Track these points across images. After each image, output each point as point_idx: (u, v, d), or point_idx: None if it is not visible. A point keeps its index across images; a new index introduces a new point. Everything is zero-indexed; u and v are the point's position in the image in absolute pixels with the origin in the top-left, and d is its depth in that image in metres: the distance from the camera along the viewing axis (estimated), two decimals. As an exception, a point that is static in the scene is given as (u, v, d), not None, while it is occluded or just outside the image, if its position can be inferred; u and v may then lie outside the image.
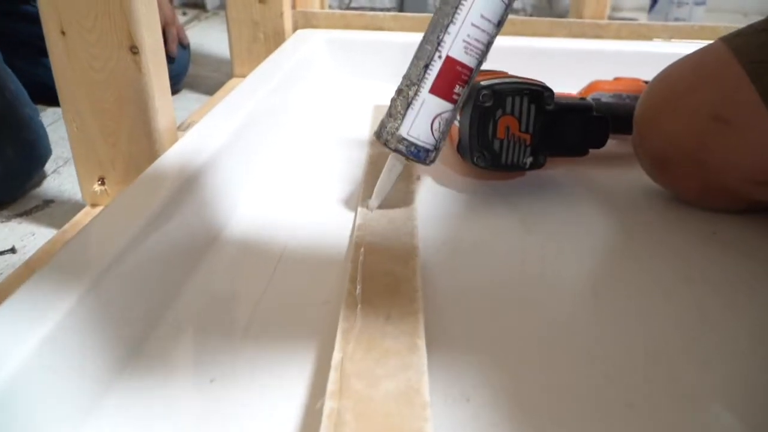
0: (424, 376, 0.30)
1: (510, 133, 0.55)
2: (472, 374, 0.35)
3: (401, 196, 0.53)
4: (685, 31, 0.83)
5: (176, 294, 0.41)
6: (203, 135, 0.52)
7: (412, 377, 0.30)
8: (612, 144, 0.60)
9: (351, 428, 0.27)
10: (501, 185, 0.59)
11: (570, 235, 0.51)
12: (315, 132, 0.71)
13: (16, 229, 0.65)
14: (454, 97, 0.47)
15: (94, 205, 0.60)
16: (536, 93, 0.54)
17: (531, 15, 1.58)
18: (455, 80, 0.47)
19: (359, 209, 0.50)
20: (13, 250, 0.61)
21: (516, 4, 1.58)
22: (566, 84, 0.79)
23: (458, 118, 0.58)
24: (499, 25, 0.47)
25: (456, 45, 0.46)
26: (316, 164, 0.63)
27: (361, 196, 0.53)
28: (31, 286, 0.32)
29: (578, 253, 0.48)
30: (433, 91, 0.46)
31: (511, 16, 0.87)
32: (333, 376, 0.30)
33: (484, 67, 0.64)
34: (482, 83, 0.55)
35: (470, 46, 0.46)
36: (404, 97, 0.47)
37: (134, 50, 0.50)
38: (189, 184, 0.45)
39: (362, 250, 0.43)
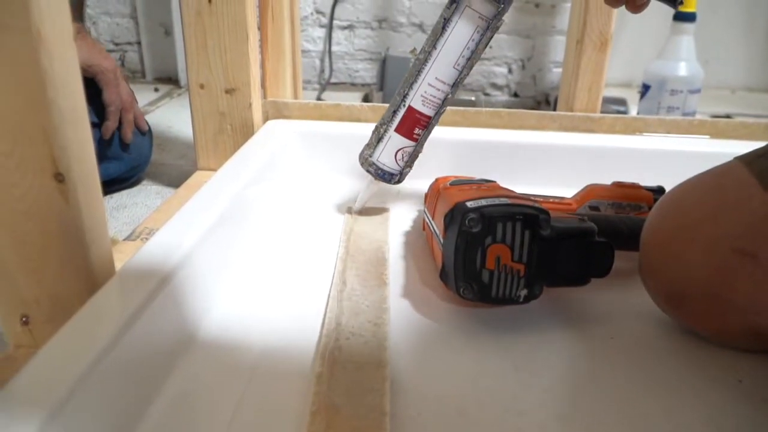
0: None
1: (501, 264, 0.47)
2: None
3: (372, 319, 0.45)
4: (682, 126, 0.78)
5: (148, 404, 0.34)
6: (174, 234, 0.46)
7: None
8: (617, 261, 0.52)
9: None
10: (486, 314, 0.51)
11: (565, 377, 0.43)
12: (286, 230, 0.66)
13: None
14: (415, 136, 0.63)
15: (18, 347, 0.51)
16: (531, 217, 0.47)
17: (515, 93, 1.55)
18: (415, 124, 0.63)
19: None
20: None
21: (500, 81, 1.55)
22: (558, 181, 0.73)
23: (441, 241, 0.51)
24: (455, 86, 0.62)
25: (416, 98, 0.62)
26: (287, 261, 0.59)
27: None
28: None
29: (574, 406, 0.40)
30: (398, 130, 0.63)
31: (497, 109, 0.82)
32: None
33: (473, 176, 0.58)
34: (468, 204, 0.48)
35: (427, 100, 0.62)
36: (377, 132, 0.64)
37: (59, 178, 0.43)
38: (161, 286, 0.38)
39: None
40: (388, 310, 0.50)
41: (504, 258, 0.47)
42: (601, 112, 0.88)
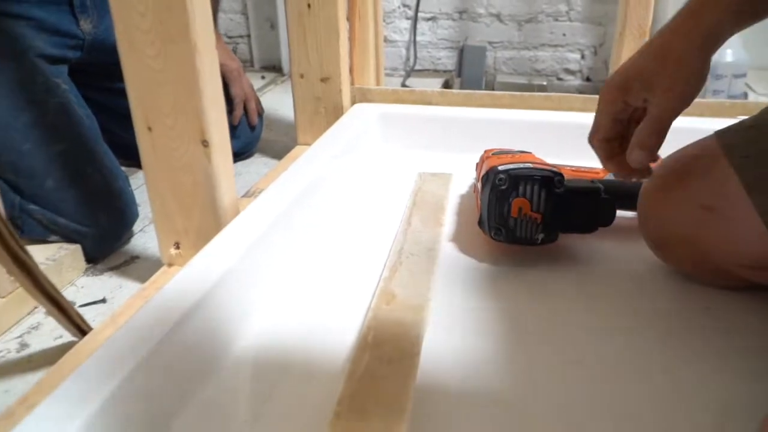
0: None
1: (522, 213, 0.62)
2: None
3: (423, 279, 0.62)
4: (717, 109, 0.88)
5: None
6: (260, 209, 0.63)
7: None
8: (622, 219, 0.66)
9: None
10: (513, 251, 0.66)
11: (569, 301, 0.58)
12: (366, 188, 0.84)
13: (106, 282, 0.78)
14: None
15: (170, 265, 0.71)
16: (546, 178, 0.62)
17: (588, 77, 1.64)
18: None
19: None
20: (103, 301, 0.74)
21: (573, 66, 1.65)
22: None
23: (480, 195, 0.67)
24: None
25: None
26: (366, 213, 0.78)
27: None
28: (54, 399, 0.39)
29: (574, 319, 0.55)
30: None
31: (548, 93, 0.94)
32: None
33: (513, 147, 0.73)
34: (499, 167, 0.63)
35: None
36: None
37: (205, 144, 0.62)
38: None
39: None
40: (440, 242, 0.67)
41: (525, 209, 0.62)
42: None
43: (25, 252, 0.55)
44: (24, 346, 0.67)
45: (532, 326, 0.55)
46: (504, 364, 0.50)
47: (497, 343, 0.52)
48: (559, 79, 1.67)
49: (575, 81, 1.66)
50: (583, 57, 1.63)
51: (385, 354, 0.48)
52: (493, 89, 1.59)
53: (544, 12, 1.61)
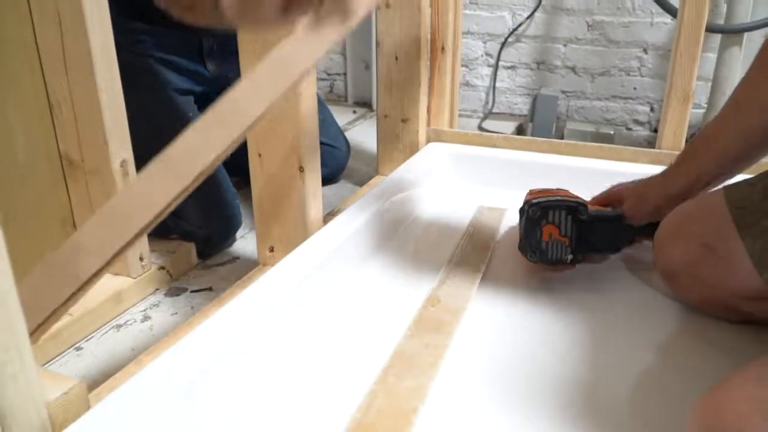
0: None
1: (553, 238, 0.75)
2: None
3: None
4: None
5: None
6: (340, 225, 0.79)
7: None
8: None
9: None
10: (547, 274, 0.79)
11: (590, 318, 0.70)
12: (432, 215, 0.98)
13: (213, 275, 0.96)
14: None
15: (264, 265, 0.88)
16: (571, 207, 0.74)
17: (655, 129, 1.73)
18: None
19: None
20: (210, 289, 0.91)
21: (641, 118, 1.73)
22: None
23: (519, 224, 0.80)
24: None
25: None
26: (426, 236, 0.91)
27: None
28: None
29: (588, 334, 0.68)
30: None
31: (601, 144, 1.06)
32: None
33: (553, 186, 0.85)
34: (533, 200, 0.76)
35: None
36: None
37: (301, 169, 0.79)
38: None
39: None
40: (485, 262, 0.80)
41: (555, 234, 0.75)
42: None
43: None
44: (147, 318, 0.85)
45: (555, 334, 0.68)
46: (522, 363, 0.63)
47: (519, 346, 0.66)
48: (628, 129, 1.76)
49: (643, 132, 1.75)
50: (652, 110, 1.72)
51: (424, 337, 0.63)
52: (563, 135, 1.71)
53: (617, 67, 1.71)
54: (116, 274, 0.87)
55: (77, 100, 0.77)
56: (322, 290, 0.71)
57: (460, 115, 1.80)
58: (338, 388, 0.58)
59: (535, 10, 1.74)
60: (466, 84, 1.89)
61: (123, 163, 0.80)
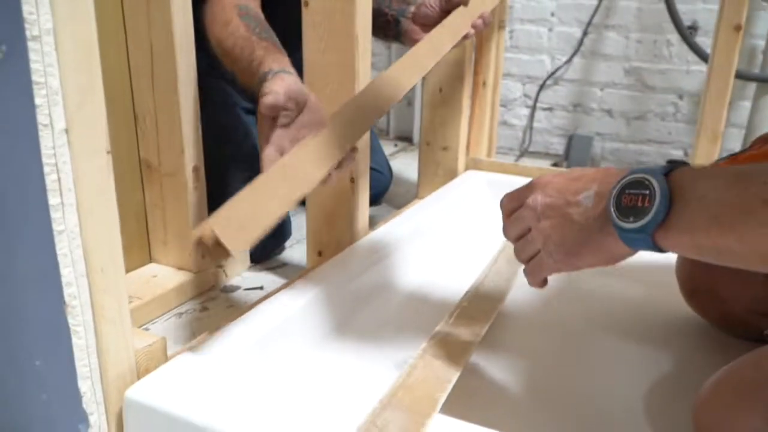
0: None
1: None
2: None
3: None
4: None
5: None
6: (384, 234, 0.87)
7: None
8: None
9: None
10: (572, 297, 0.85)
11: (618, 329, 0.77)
12: (462, 241, 1.04)
13: (264, 277, 1.04)
14: None
15: (312, 268, 0.96)
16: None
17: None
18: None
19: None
20: (261, 288, 1.00)
21: (675, 162, 1.79)
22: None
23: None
24: None
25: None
26: (453, 263, 0.97)
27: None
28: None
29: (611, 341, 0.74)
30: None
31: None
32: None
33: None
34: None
35: None
36: None
37: (352, 180, 0.87)
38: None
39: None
40: (516, 278, 0.87)
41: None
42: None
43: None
44: (205, 308, 0.94)
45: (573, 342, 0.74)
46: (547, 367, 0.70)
47: (538, 353, 0.73)
48: (661, 172, 1.82)
49: (676, 175, 1.81)
50: (685, 154, 1.78)
51: (461, 327, 0.70)
52: (597, 175, 1.77)
53: (653, 111, 1.79)
54: (180, 268, 0.96)
55: (160, 113, 0.89)
56: (362, 287, 0.80)
57: (497, 153, 1.89)
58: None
59: (573, 55, 1.83)
60: (504, 123, 1.98)
61: (195, 169, 0.91)
